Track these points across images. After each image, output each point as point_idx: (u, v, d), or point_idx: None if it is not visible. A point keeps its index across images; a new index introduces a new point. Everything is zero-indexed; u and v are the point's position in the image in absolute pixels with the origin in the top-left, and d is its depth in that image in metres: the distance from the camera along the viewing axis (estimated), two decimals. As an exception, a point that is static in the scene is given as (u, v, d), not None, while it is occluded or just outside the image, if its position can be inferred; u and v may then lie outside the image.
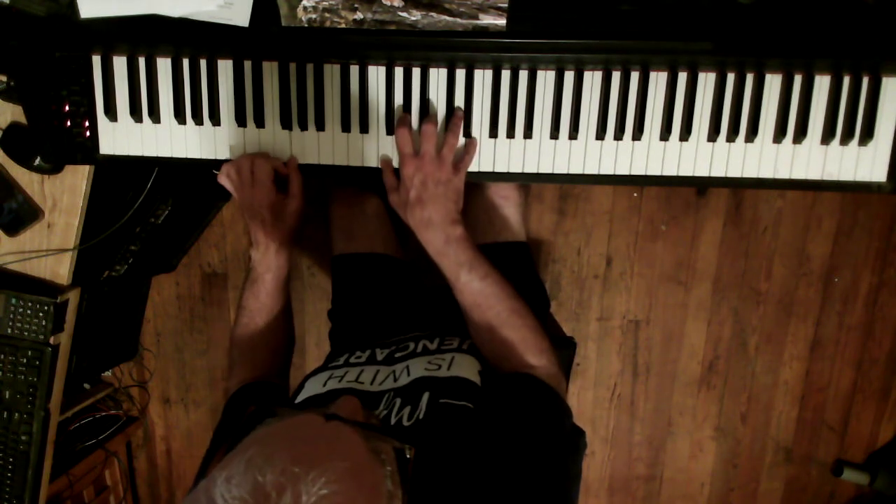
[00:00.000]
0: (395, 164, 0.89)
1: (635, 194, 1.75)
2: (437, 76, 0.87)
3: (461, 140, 0.87)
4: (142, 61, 0.89)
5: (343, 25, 0.82)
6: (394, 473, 0.46)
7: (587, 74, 0.85)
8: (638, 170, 0.88)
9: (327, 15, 0.82)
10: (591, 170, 0.89)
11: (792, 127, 0.85)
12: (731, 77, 0.84)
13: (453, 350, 0.77)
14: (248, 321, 0.91)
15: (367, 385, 0.72)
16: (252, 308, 0.91)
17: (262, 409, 0.50)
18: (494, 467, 0.58)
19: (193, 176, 1.50)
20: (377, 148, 0.90)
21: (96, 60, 0.89)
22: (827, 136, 0.85)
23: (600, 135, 0.87)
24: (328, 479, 0.39)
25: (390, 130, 0.89)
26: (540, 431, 0.65)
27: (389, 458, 0.47)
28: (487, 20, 0.80)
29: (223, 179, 0.89)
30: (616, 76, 0.85)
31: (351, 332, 1.08)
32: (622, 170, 0.88)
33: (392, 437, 0.49)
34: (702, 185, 1.62)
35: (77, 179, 1.05)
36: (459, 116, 0.86)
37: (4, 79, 0.95)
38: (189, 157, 0.92)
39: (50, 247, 1.10)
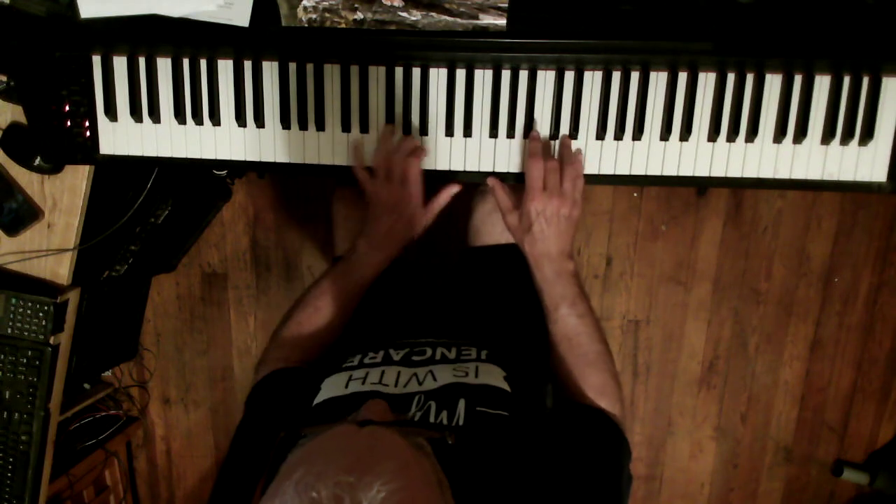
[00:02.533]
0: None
1: (635, 194, 1.75)
2: (437, 76, 0.87)
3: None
4: (142, 61, 0.89)
5: (343, 25, 0.82)
6: (436, 464, 0.47)
7: (587, 74, 0.85)
8: (638, 170, 0.88)
9: (327, 15, 0.82)
10: (592, 170, 0.89)
11: (792, 127, 0.85)
12: (731, 77, 0.84)
13: (474, 360, 0.77)
14: (321, 306, 0.89)
15: (392, 387, 0.71)
16: (332, 295, 0.88)
17: (292, 434, 0.49)
18: (553, 489, 0.59)
19: (193, 176, 1.51)
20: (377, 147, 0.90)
21: (96, 60, 0.89)
22: (827, 136, 0.85)
23: (600, 135, 0.87)
24: (383, 481, 0.40)
25: (390, 130, 0.89)
26: (609, 469, 0.66)
27: (429, 449, 0.47)
28: (487, 20, 0.80)
29: (362, 172, 0.87)
30: (616, 76, 0.85)
31: (354, 332, 1.08)
32: (622, 170, 0.88)
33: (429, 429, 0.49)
34: (702, 185, 1.62)
35: (77, 179, 1.05)
36: (567, 145, 0.86)
37: (4, 79, 0.95)
38: (189, 157, 0.92)
39: (50, 247, 1.10)
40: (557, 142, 0.88)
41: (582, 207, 0.84)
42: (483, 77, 0.87)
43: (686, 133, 0.86)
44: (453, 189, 0.89)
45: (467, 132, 0.88)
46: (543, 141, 0.87)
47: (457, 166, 0.89)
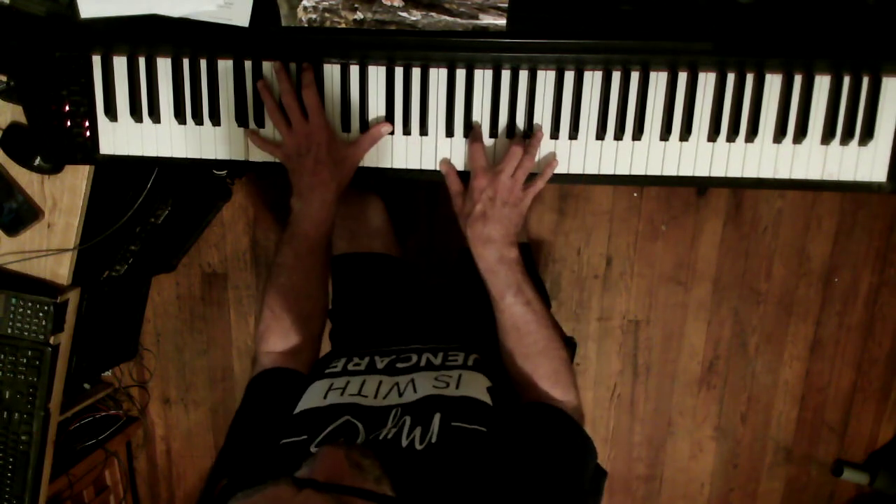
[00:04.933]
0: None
1: (635, 194, 1.75)
2: (437, 76, 0.87)
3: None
4: (142, 61, 0.89)
5: (343, 25, 0.82)
6: None
7: (587, 74, 0.85)
8: (638, 170, 0.88)
9: (327, 15, 0.82)
10: (591, 170, 0.88)
11: (792, 127, 0.85)
12: (731, 77, 0.84)
13: (459, 367, 0.75)
14: (285, 280, 0.85)
15: (371, 399, 0.70)
16: (290, 266, 0.85)
17: (234, 483, 0.48)
18: (512, 498, 0.57)
19: (193, 176, 1.51)
20: (377, 147, 0.90)
21: (96, 60, 0.89)
22: (827, 136, 0.85)
23: (600, 135, 0.87)
24: None
25: (390, 130, 0.89)
26: (567, 470, 0.64)
27: None
28: (487, 20, 0.80)
29: (259, 140, 0.86)
30: (616, 76, 0.85)
31: (351, 332, 1.08)
32: (622, 170, 0.88)
33: (397, 459, 0.47)
34: (702, 185, 1.62)
35: (77, 179, 1.05)
36: (539, 138, 0.85)
37: (4, 79, 0.95)
38: (189, 157, 0.92)
39: (50, 247, 1.10)
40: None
41: (530, 201, 0.83)
42: (483, 77, 0.87)
43: (686, 133, 0.86)
44: (386, 127, 0.87)
45: (468, 132, 0.88)
46: (517, 137, 0.86)
47: (457, 166, 0.89)
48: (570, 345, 1.12)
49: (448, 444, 0.61)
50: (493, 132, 0.88)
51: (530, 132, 0.87)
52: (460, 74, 0.87)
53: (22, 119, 0.99)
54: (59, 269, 1.12)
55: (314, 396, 0.72)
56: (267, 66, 0.88)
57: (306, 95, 0.84)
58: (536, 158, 0.85)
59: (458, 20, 0.81)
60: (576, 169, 0.88)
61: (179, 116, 0.90)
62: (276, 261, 0.87)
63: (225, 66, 0.88)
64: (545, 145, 0.88)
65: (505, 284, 0.78)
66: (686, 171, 0.88)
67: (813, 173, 0.87)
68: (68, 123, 0.90)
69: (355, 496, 0.47)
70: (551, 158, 0.87)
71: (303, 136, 0.84)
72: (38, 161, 1.02)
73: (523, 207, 0.82)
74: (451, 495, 0.56)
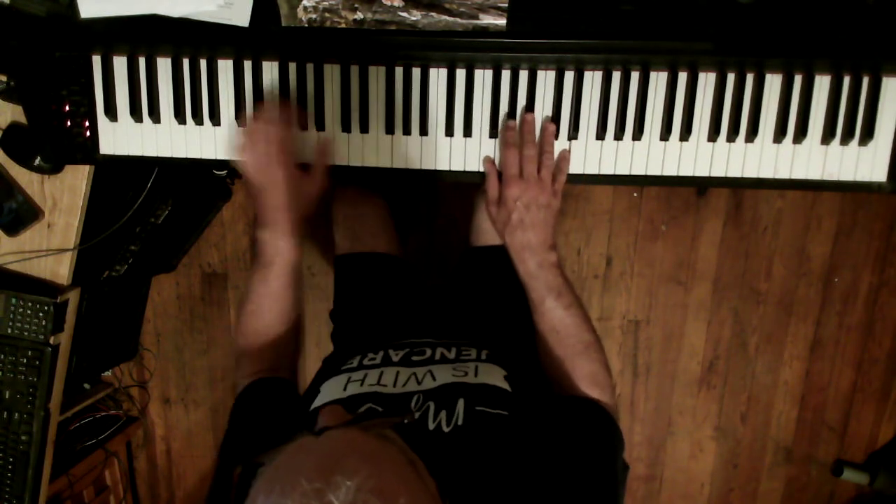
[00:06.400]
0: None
1: (635, 194, 1.75)
2: (437, 76, 0.87)
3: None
4: (142, 61, 0.89)
5: (343, 25, 0.82)
6: (404, 446, 0.47)
7: (587, 74, 0.85)
8: (638, 170, 0.88)
9: (327, 15, 0.82)
10: (592, 170, 0.89)
11: (792, 127, 0.85)
12: (731, 77, 0.84)
13: (474, 360, 0.76)
14: (255, 308, 0.85)
15: (391, 387, 0.70)
16: (259, 293, 0.84)
17: (250, 465, 0.49)
18: (550, 484, 0.58)
19: (193, 176, 1.51)
20: (377, 147, 0.90)
21: (96, 60, 0.89)
22: (827, 136, 0.85)
23: (600, 135, 0.87)
24: (349, 475, 0.39)
25: (390, 130, 0.89)
26: (605, 458, 0.66)
27: (394, 435, 0.47)
28: (487, 20, 0.80)
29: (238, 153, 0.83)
30: (616, 76, 0.85)
31: (355, 332, 1.08)
32: (622, 170, 0.88)
33: (425, 440, 0.48)
34: (702, 185, 1.62)
35: (77, 179, 1.05)
36: (551, 132, 0.85)
37: (4, 79, 0.95)
38: (189, 157, 0.92)
39: (50, 247, 1.10)
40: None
41: (561, 199, 0.84)
42: (483, 77, 0.87)
43: (686, 133, 0.86)
44: (326, 144, 0.86)
45: (467, 132, 0.88)
46: (529, 127, 0.86)
47: (457, 166, 0.89)
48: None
49: (475, 426, 0.62)
50: (493, 133, 0.88)
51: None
52: (460, 74, 0.87)
53: (22, 119, 0.99)
54: (59, 269, 1.12)
55: (333, 390, 0.72)
56: (267, 66, 0.88)
57: (270, 129, 0.81)
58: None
59: (458, 20, 0.81)
60: (576, 169, 0.89)
61: (179, 116, 0.90)
62: (249, 288, 0.86)
63: (225, 66, 0.88)
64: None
65: (546, 289, 0.79)
66: (686, 171, 0.88)
67: (813, 173, 0.87)
68: (68, 123, 0.90)
69: (373, 420, 0.49)
70: (562, 151, 0.87)
71: (262, 164, 0.81)
72: (38, 161, 1.02)
73: (556, 206, 0.83)
74: (485, 475, 0.57)
